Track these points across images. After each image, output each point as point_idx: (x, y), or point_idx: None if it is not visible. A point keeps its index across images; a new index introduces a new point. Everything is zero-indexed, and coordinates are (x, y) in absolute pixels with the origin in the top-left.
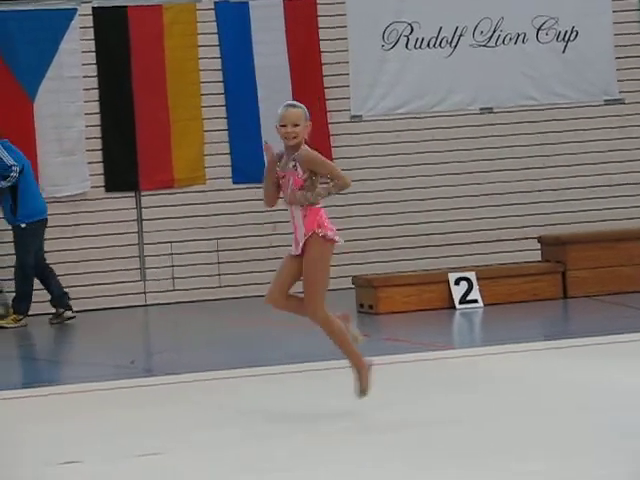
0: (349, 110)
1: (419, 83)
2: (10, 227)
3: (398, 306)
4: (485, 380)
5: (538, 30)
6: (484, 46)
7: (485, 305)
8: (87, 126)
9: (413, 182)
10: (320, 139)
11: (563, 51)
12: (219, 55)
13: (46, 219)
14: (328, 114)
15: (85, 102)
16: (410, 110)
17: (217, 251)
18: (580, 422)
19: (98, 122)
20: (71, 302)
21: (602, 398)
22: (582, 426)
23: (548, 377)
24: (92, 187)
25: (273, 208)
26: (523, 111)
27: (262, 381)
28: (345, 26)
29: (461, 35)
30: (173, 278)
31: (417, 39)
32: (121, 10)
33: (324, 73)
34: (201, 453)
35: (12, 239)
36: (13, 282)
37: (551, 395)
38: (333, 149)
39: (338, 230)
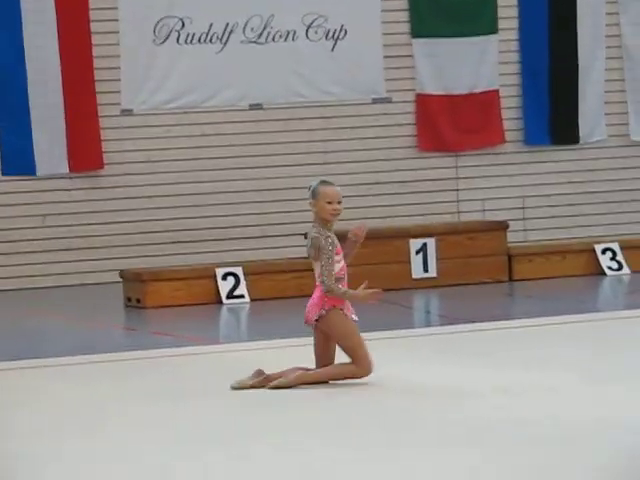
0: (120, 104)
1: (190, 78)
2: None
3: (166, 300)
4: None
5: (308, 28)
6: (254, 43)
7: (252, 300)
8: None
9: (183, 177)
10: (90, 133)
11: (332, 49)
12: None
13: None
14: (99, 107)
15: None
16: (181, 105)
17: None
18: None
19: None
20: None
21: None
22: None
23: None
24: None
25: (43, 200)
26: (293, 108)
27: (45, 373)
28: (117, 19)
29: (231, 31)
30: None
31: (188, 34)
32: None
33: (95, 66)
34: None
35: None
36: None
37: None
38: (103, 143)
39: (105, 224)
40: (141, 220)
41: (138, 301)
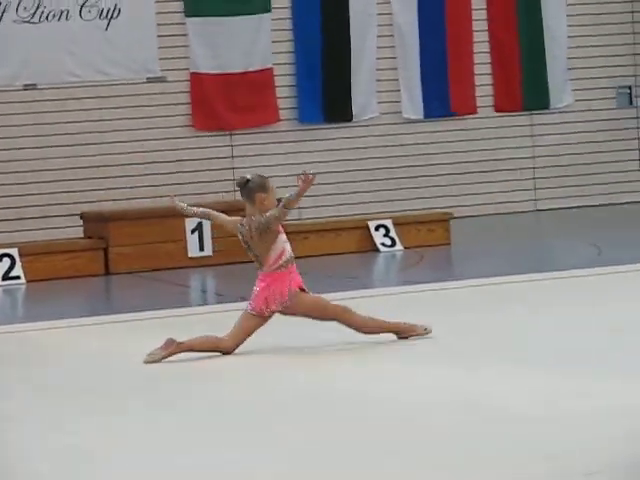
0: None
1: None
2: None
3: None
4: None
5: (81, 7)
6: (28, 22)
7: (28, 282)
8: None
9: None
10: None
11: (106, 29)
12: None
13: None
14: None
15: None
16: None
17: None
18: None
19: None
20: None
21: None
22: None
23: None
24: None
25: None
26: (68, 88)
27: None
28: None
29: (4, 11)
30: None
31: None
32: None
33: None
34: None
35: None
36: None
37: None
38: None
39: None
40: None
41: None
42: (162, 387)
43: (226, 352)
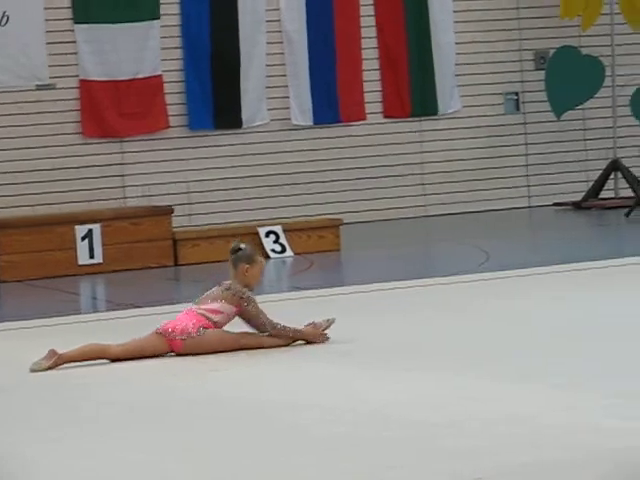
0: None
1: None
2: None
3: None
4: None
5: None
6: None
7: None
8: None
9: None
10: None
11: None
12: None
13: None
14: None
15: None
16: None
17: None
18: None
19: None
20: None
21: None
22: None
23: None
24: None
25: None
26: None
27: None
28: None
29: None
30: None
31: None
32: None
33: None
34: None
35: None
36: None
37: None
38: None
39: None
40: None
41: None
42: (62, 394)
43: (113, 360)
